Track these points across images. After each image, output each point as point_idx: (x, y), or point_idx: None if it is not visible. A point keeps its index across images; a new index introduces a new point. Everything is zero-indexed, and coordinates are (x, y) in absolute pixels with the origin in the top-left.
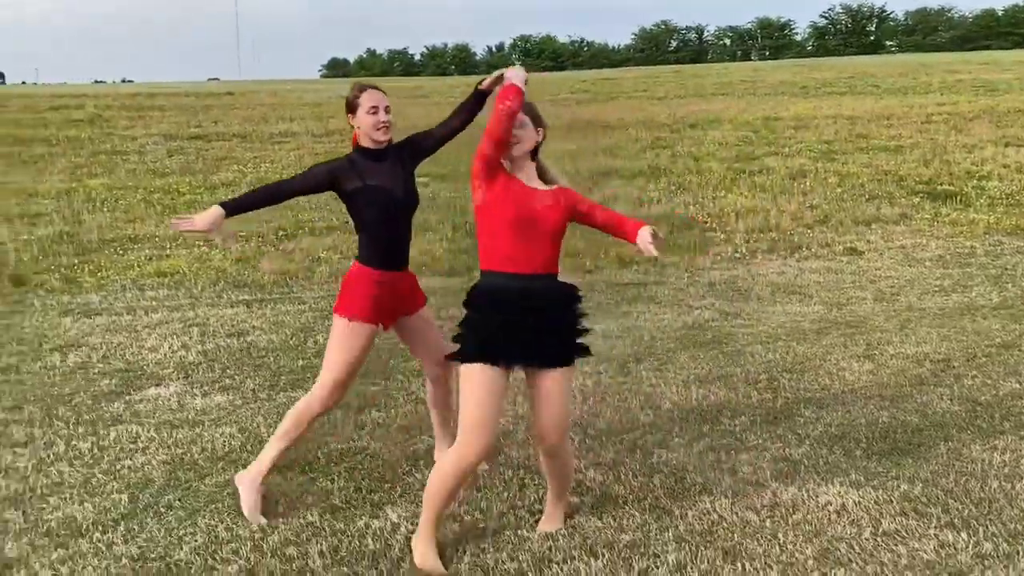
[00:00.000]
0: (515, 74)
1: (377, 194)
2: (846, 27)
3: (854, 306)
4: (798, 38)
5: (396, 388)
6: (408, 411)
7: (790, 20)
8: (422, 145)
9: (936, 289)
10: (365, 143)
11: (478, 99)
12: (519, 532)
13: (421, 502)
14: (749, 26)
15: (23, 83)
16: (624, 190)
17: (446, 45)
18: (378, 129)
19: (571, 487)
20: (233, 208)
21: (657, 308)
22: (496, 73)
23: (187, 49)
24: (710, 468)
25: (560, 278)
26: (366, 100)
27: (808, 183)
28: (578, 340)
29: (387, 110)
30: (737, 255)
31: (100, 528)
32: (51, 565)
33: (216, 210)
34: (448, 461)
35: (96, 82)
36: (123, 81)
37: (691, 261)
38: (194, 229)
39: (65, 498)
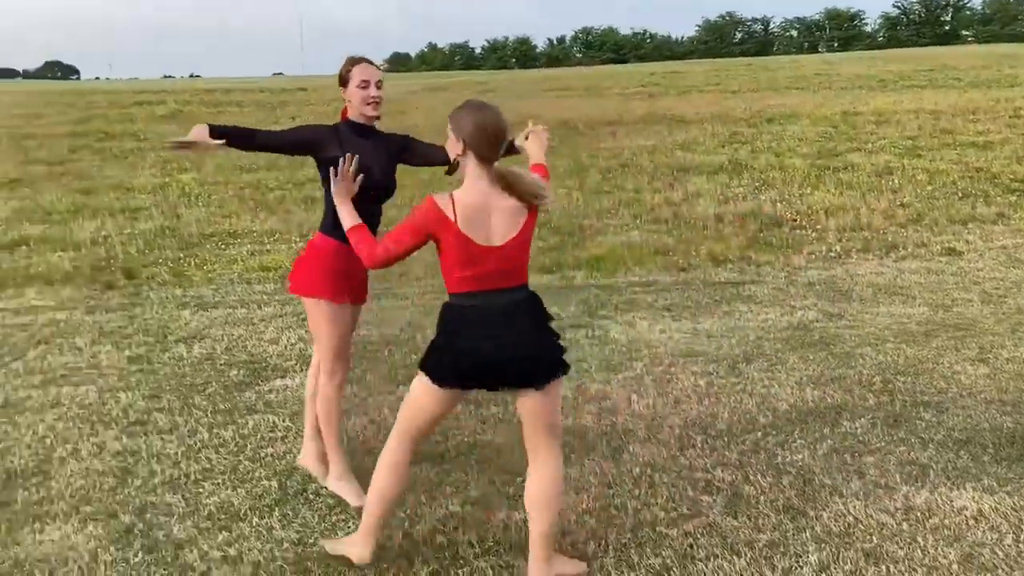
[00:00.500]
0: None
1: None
2: (919, 17)
3: (960, 308)
4: (868, 29)
5: None
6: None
7: (860, 10)
8: (411, 148)
9: None
10: (354, 117)
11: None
12: (656, 528)
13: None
14: (817, 17)
15: (96, 78)
16: (706, 186)
17: (507, 38)
18: (368, 104)
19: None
20: (219, 132)
21: (758, 308)
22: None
23: (250, 44)
24: (837, 470)
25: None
26: (357, 74)
27: (896, 180)
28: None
29: (378, 85)
30: (832, 254)
31: (257, 513)
32: (219, 547)
33: (203, 126)
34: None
35: (166, 77)
36: (191, 76)
37: (787, 260)
38: (187, 140)
39: (218, 484)
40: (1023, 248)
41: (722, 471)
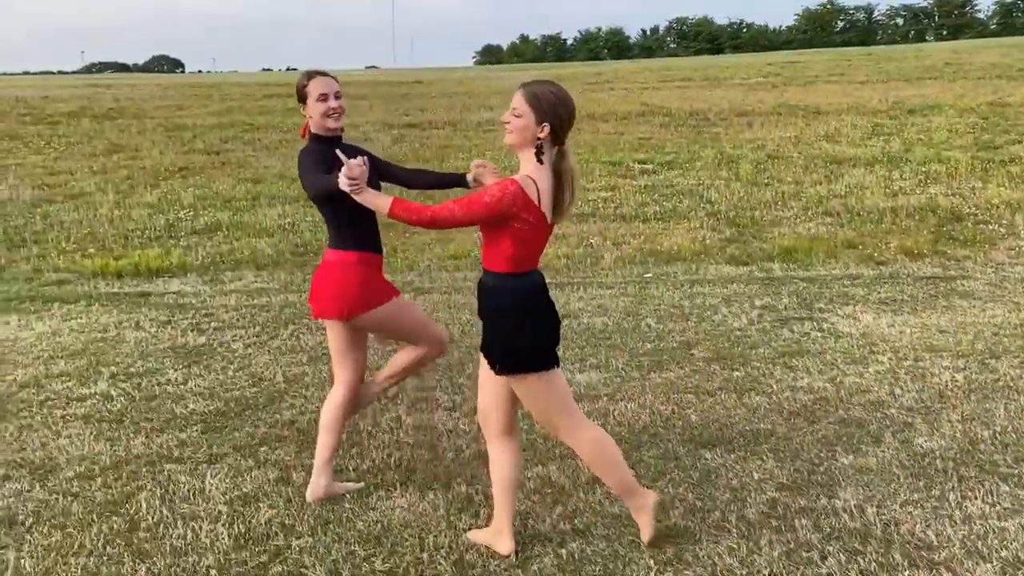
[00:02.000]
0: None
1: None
2: None
3: None
4: (981, 16)
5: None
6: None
7: None
8: (385, 170)
9: None
10: (317, 130)
11: (456, 181)
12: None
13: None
14: (925, 4)
15: (199, 71)
16: (867, 178)
17: (599, 29)
18: (328, 116)
19: None
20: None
21: (980, 303)
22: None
23: (340, 38)
24: None
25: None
26: (314, 88)
27: None
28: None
29: (337, 96)
30: None
31: (582, 489)
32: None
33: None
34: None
35: (264, 70)
36: (288, 69)
37: (987, 255)
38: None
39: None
40: None
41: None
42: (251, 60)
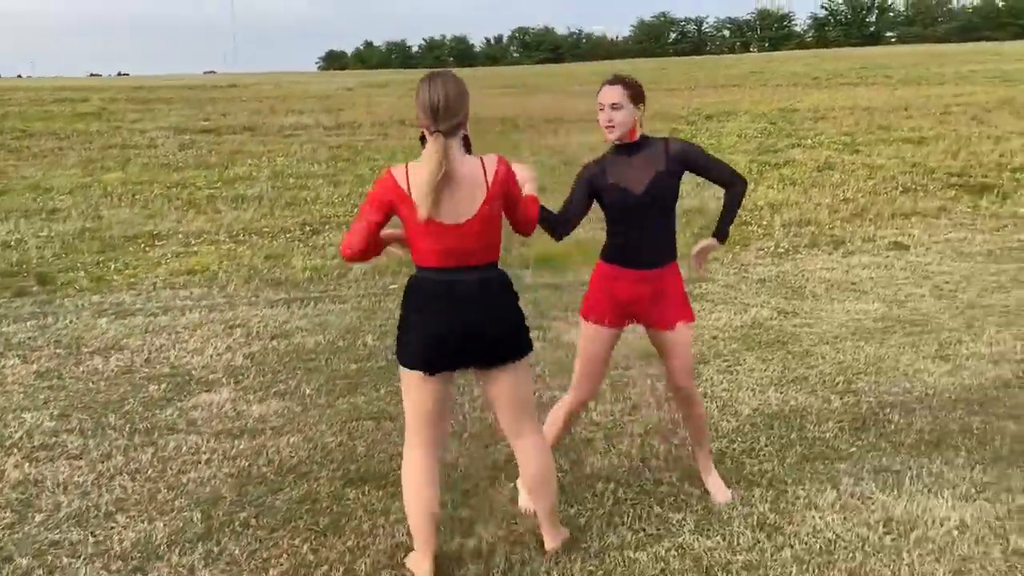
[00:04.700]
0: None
1: None
2: (846, 18)
3: (914, 303)
4: (798, 29)
5: (459, 394)
6: (476, 418)
7: (790, 11)
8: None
9: (994, 285)
10: None
11: None
12: (624, 553)
13: (511, 519)
14: (749, 17)
15: (19, 76)
16: None
17: (444, 37)
18: None
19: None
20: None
21: (711, 306)
22: None
23: (180, 43)
24: (809, 480)
25: None
26: None
27: (837, 175)
28: None
29: None
30: (780, 250)
31: (178, 550)
32: None
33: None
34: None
35: (92, 75)
36: (119, 74)
37: (736, 257)
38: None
39: (132, 516)
40: (968, 242)
41: (689, 484)
42: (77, 64)
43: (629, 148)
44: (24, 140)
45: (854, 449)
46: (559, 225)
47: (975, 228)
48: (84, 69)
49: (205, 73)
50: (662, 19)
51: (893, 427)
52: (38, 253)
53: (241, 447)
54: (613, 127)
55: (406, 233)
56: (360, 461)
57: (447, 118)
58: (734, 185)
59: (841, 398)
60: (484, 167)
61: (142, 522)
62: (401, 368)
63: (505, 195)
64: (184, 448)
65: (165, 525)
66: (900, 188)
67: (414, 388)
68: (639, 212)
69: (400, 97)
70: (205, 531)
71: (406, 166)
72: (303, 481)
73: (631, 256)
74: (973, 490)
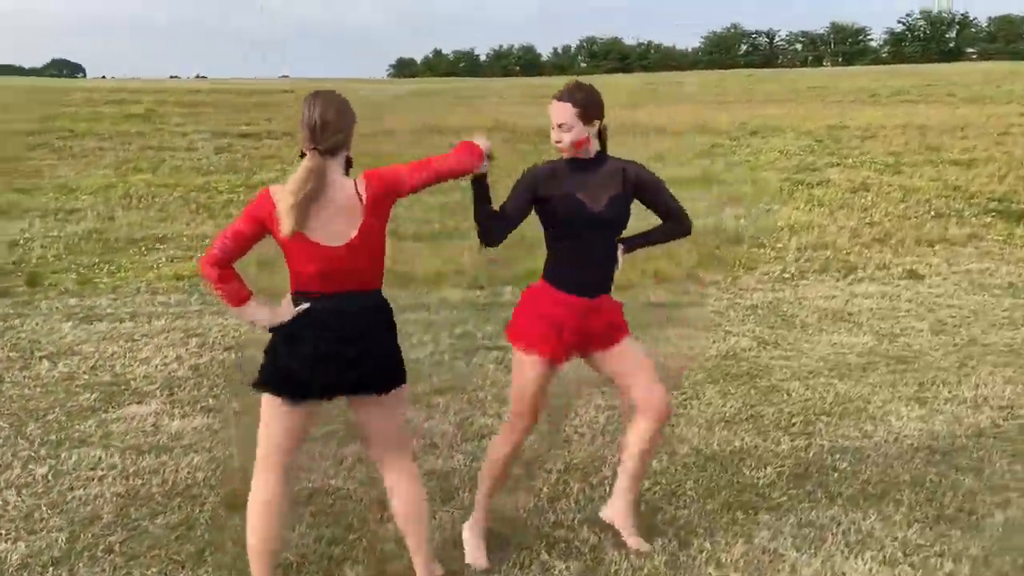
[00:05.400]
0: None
1: None
2: (924, 33)
3: (908, 338)
4: (873, 44)
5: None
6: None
7: (865, 26)
8: None
9: (1004, 321)
10: None
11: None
12: None
13: (387, 558)
14: (822, 31)
15: (103, 77)
16: None
17: (512, 46)
18: None
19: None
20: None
21: (691, 332)
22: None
23: (253, 47)
24: (723, 530)
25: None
26: None
27: (870, 197)
28: None
29: None
30: (786, 275)
31: (27, 572)
32: None
33: None
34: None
35: (172, 77)
36: (197, 76)
37: (735, 280)
38: None
39: (1, 534)
40: (990, 273)
41: (588, 530)
42: (161, 67)
43: (585, 164)
44: (69, 140)
45: (785, 498)
46: (497, 229)
47: (1002, 258)
48: (167, 71)
49: (280, 77)
50: (733, 31)
51: (837, 475)
52: (40, 253)
53: (143, 464)
54: (563, 147)
55: (285, 256)
56: None
57: (326, 137)
58: (680, 223)
59: (792, 440)
60: (358, 189)
61: (6, 541)
62: (264, 394)
63: (386, 209)
64: (84, 463)
65: (27, 546)
66: (933, 213)
67: (277, 415)
68: (595, 229)
69: (447, 105)
70: (63, 555)
71: (281, 187)
72: (188, 504)
73: (579, 279)
74: (900, 553)
